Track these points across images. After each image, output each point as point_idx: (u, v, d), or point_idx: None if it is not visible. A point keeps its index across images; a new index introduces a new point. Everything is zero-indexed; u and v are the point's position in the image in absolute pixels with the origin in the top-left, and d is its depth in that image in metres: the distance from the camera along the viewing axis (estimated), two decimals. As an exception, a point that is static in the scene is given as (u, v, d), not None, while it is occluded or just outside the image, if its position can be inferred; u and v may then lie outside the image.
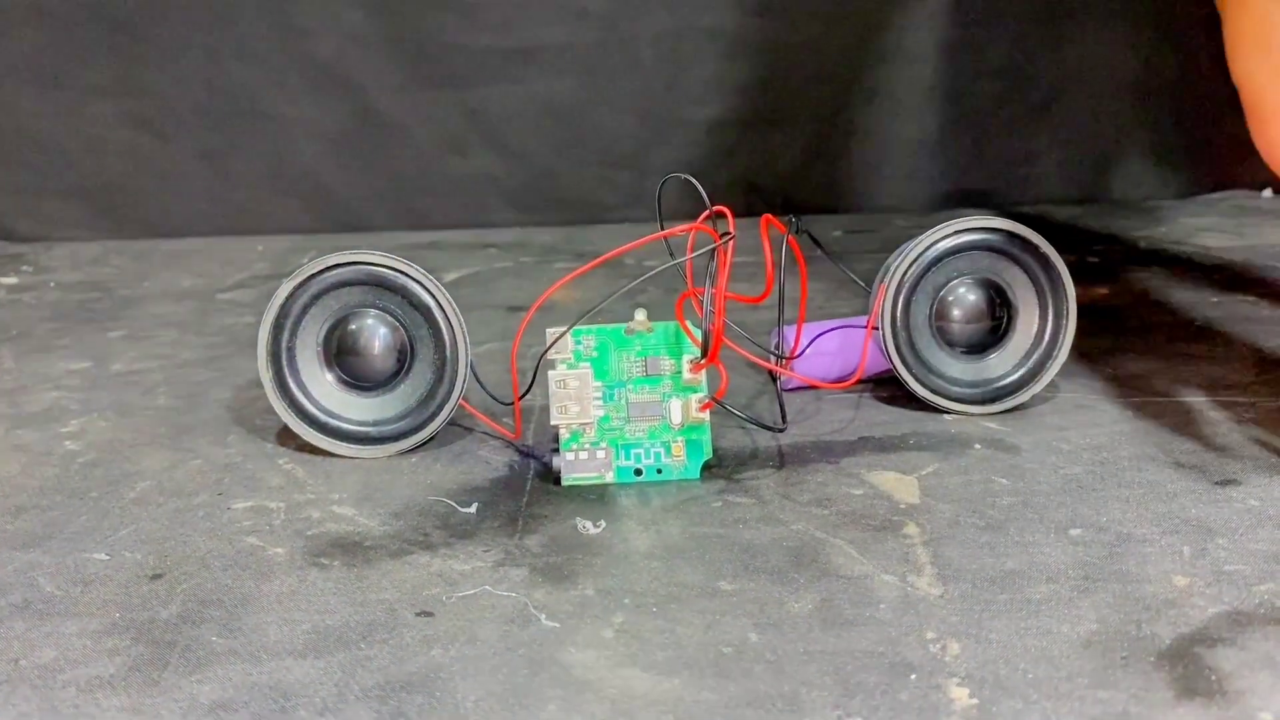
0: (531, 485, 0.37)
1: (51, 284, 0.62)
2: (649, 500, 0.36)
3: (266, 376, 0.39)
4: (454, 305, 0.39)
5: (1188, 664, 0.27)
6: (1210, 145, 0.73)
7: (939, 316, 0.41)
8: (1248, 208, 0.71)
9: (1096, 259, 0.61)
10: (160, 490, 0.38)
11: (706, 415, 0.37)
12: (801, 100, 0.70)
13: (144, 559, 0.34)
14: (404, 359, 0.40)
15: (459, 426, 0.41)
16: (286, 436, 0.41)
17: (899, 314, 0.40)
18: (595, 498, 0.37)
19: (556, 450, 0.37)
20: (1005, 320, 0.41)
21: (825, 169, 0.71)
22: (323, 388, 0.40)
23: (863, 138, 0.71)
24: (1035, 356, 0.41)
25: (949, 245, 0.40)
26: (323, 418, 0.39)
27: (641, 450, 0.37)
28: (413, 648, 0.29)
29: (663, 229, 0.37)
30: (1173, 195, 0.74)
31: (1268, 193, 0.74)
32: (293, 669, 0.28)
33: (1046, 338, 0.41)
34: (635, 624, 0.30)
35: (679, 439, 0.37)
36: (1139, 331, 0.50)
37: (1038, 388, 0.41)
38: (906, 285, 0.40)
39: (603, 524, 0.35)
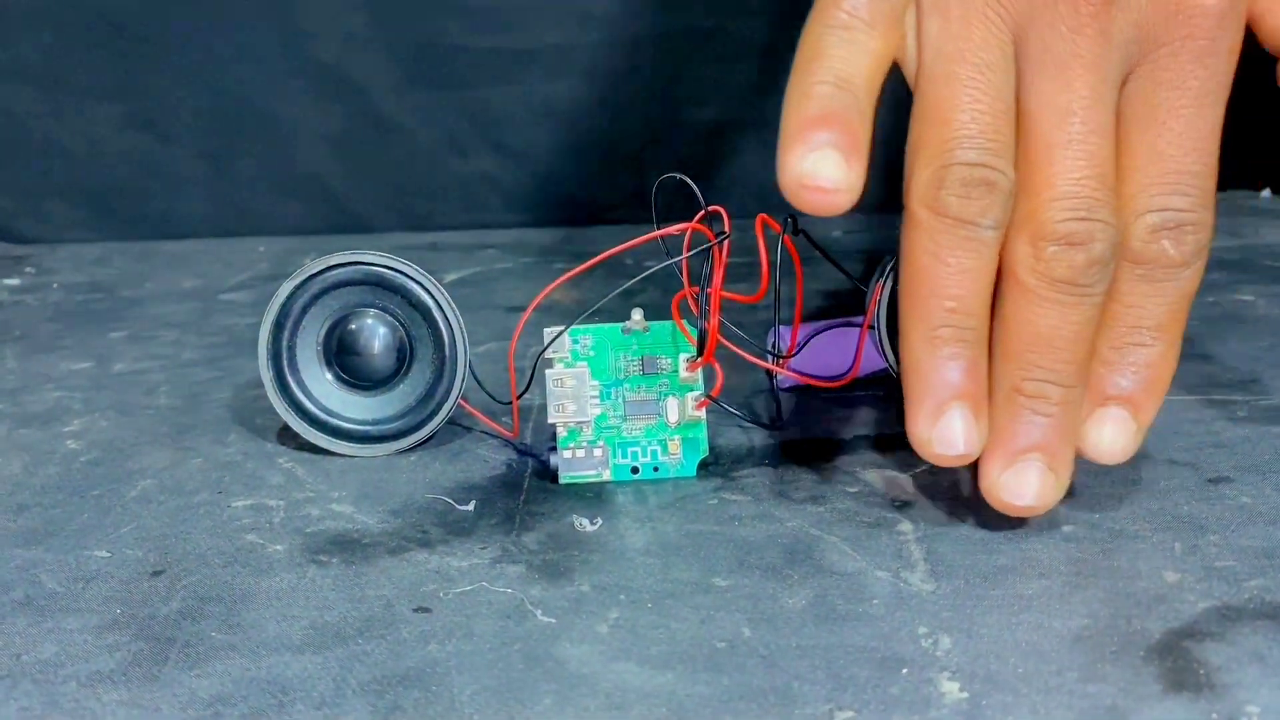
0: (529, 483, 0.38)
1: (54, 285, 0.63)
2: (645, 498, 0.37)
3: (267, 376, 0.39)
4: (453, 305, 0.39)
5: (1176, 658, 0.27)
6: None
7: (934, 315, 0.41)
8: (1245, 207, 0.71)
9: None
10: (161, 488, 0.38)
11: (703, 414, 0.38)
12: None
13: (145, 556, 0.34)
14: (403, 358, 0.40)
15: (457, 425, 0.41)
16: (286, 435, 0.41)
17: (894, 313, 0.40)
18: (592, 495, 0.37)
19: (554, 448, 0.38)
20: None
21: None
22: (322, 387, 0.40)
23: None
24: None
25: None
26: (322, 416, 0.40)
27: (638, 448, 0.38)
28: (410, 643, 0.29)
29: (658, 229, 0.37)
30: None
31: (1266, 193, 0.74)
32: (291, 664, 0.28)
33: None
34: (630, 619, 0.30)
35: (675, 437, 0.38)
36: (1135, 331, 0.50)
37: (1033, 386, 0.41)
38: (902, 284, 0.40)
39: (599, 521, 0.35)
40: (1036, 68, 0.32)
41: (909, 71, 0.34)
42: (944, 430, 0.32)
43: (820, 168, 0.31)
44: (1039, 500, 0.32)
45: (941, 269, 0.32)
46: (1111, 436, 0.33)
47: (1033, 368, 0.32)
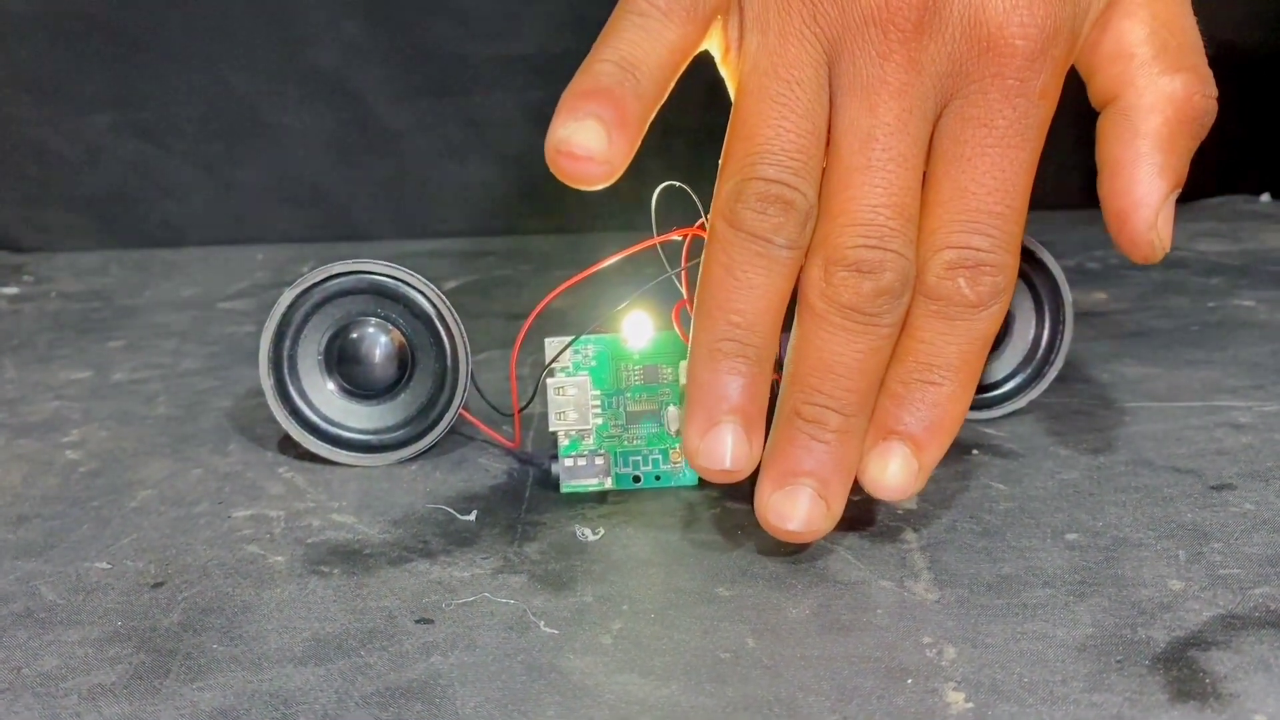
0: (530, 493, 0.38)
1: (52, 294, 0.63)
2: (647, 507, 0.36)
3: (268, 385, 0.39)
4: (455, 314, 0.39)
5: (1182, 667, 0.27)
6: (1208, 150, 0.73)
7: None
8: (1245, 212, 0.71)
9: (1095, 264, 0.61)
10: (161, 499, 0.38)
11: (704, 422, 0.37)
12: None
13: (145, 567, 0.34)
14: (405, 368, 0.40)
15: (458, 434, 0.41)
16: (287, 445, 0.41)
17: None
18: (594, 505, 0.37)
19: (555, 457, 0.38)
20: (1003, 326, 0.41)
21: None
22: (324, 396, 0.40)
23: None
24: (1033, 362, 0.41)
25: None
26: (324, 426, 0.40)
27: (640, 457, 0.38)
28: (412, 655, 0.29)
29: (657, 236, 0.37)
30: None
31: (1265, 197, 0.74)
32: (293, 676, 0.28)
33: (1044, 343, 0.41)
34: (633, 630, 0.30)
35: (677, 446, 0.38)
36: (1136, 336, 0.50)
37: (1035, 393, 0.41)
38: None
39: (601, 531, 0.35)
40: (845, 91, 0.32)
41: (732, 88, 0.34)
42: (712, 444, 0.32)
43: (577, 135, 0.32)
44: (805, 526, 0.32)
45: (731, 283, 0.32)
46: (892, 472, 0.32)
47: (814, 392, 0.32)
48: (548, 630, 0.30)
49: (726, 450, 0.32)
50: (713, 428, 0.32)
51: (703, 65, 0.65)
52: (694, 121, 0.70)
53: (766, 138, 0.32)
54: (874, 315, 0.31)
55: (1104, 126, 0.34)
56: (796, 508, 0.32)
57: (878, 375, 0.32)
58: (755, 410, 0.32)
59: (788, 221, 0.31)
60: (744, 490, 0.37)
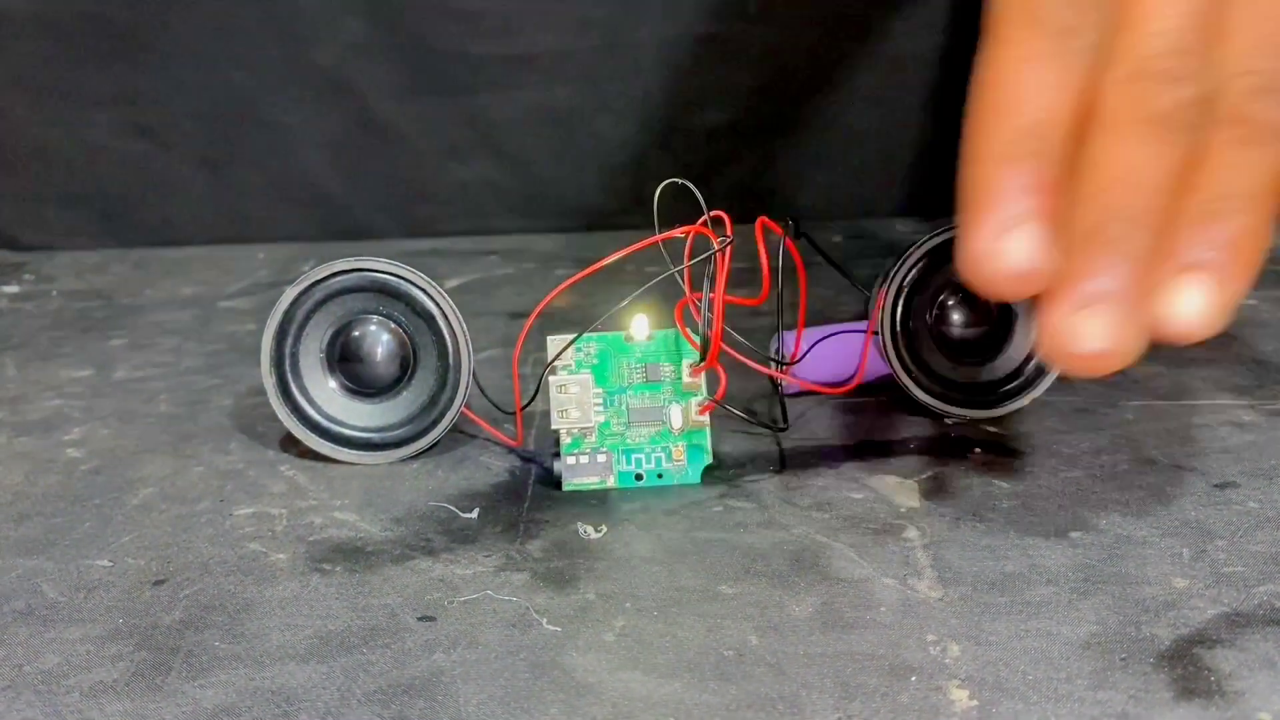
0: (532, 490, 0.38)
1: (53, 292, 0.62)
2: (650, 505, 0.36)
3: (270, 383, 0.39)
4: (457, 312, 0.39)
5: (1187, 665, 0.27)
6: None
7: (939, 321, 0.41)
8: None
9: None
10: (163, 497, 0.38)
11: (707, 419, 0.37)
12: (801, 106, 0.70)
13: (147, 565, 0.34)
14: (407, 366, 0.40)
15: (460, 433, 0.41)
16: (288, 443, 0.41)
17: (899, 318, 0.40)
18: (596, 503, 0.37)
19: (557, 455, 0.37)
20: (1006, 324, 0.41)
21: (826, 175, 0.71)
22: (326, 394, 0.40)
23: (863, 144, 0.71)
24: (1035, 360, 0.41)
25: (948, 249, 0.40)
26: (325, 424, 0.39)
27: (642, 455, 0.37)
28: (415, 652, 0.29)
29: (659, 234, 0.37)
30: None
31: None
32: (295, 674, 0.28)
33: (1046, 341, 0.41)
34: (636, 628, 0.30)
35: (679, 444, 0.38)
36: (1138, 335, 0.50)
37: (1037, 392, 0.41)
38: (906, 289, 0.40)
39: (604, 529, 0.35)
40: None
41: None
42: (1012, 243, 0.28)
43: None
44: (1116, 345, 0.28)
45: (1028, 83, 0.29)
46: (1193, 307, 0.29)
47: (1116, 208, 0.29)
48: (550, 628, 0.30)
49: (1028, 248, 0.28)
50: (1012, 229, 0.28)
51: (703, 66, 0.64)
52: (697, 120, 0.70)
53: None
54: (1180, 128, 0.29)
55: None
56: (1104, 327, 0.28)
57: (1178, 197, 0.29)
58: (1051, 219, 0.29)
59: (1086, 23, 0.29)
60: (747, 489, 0.37)
